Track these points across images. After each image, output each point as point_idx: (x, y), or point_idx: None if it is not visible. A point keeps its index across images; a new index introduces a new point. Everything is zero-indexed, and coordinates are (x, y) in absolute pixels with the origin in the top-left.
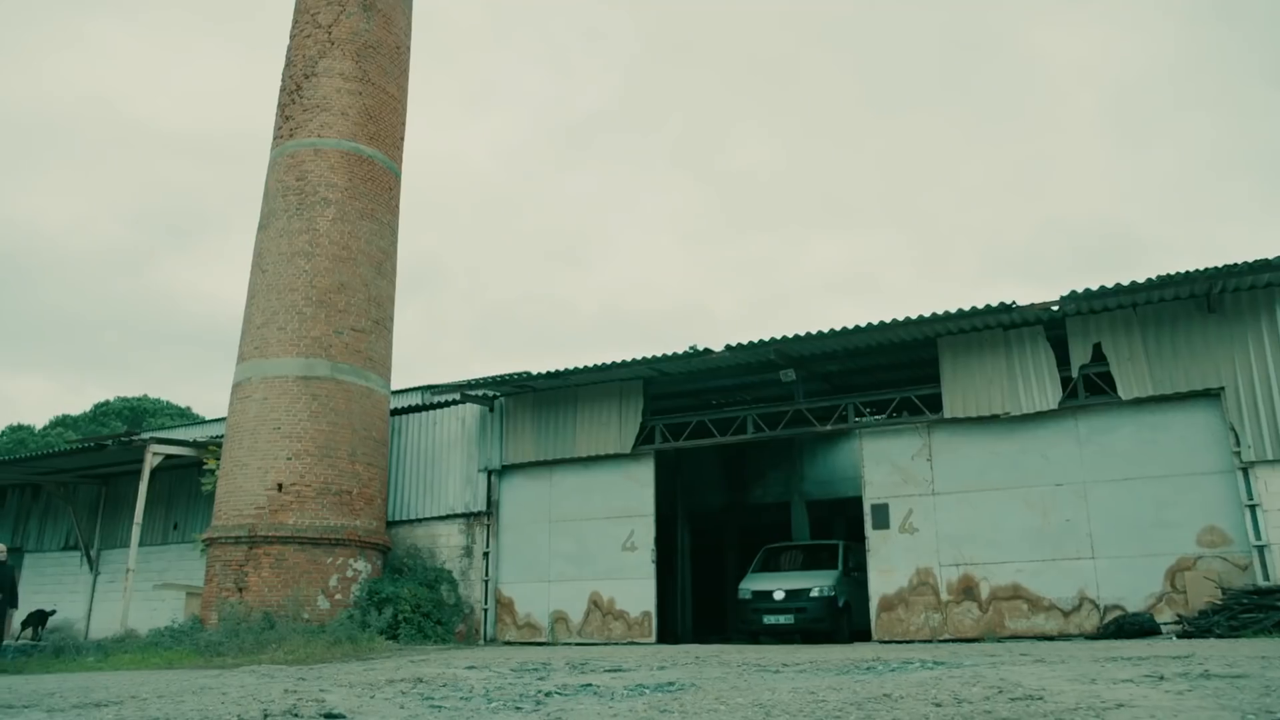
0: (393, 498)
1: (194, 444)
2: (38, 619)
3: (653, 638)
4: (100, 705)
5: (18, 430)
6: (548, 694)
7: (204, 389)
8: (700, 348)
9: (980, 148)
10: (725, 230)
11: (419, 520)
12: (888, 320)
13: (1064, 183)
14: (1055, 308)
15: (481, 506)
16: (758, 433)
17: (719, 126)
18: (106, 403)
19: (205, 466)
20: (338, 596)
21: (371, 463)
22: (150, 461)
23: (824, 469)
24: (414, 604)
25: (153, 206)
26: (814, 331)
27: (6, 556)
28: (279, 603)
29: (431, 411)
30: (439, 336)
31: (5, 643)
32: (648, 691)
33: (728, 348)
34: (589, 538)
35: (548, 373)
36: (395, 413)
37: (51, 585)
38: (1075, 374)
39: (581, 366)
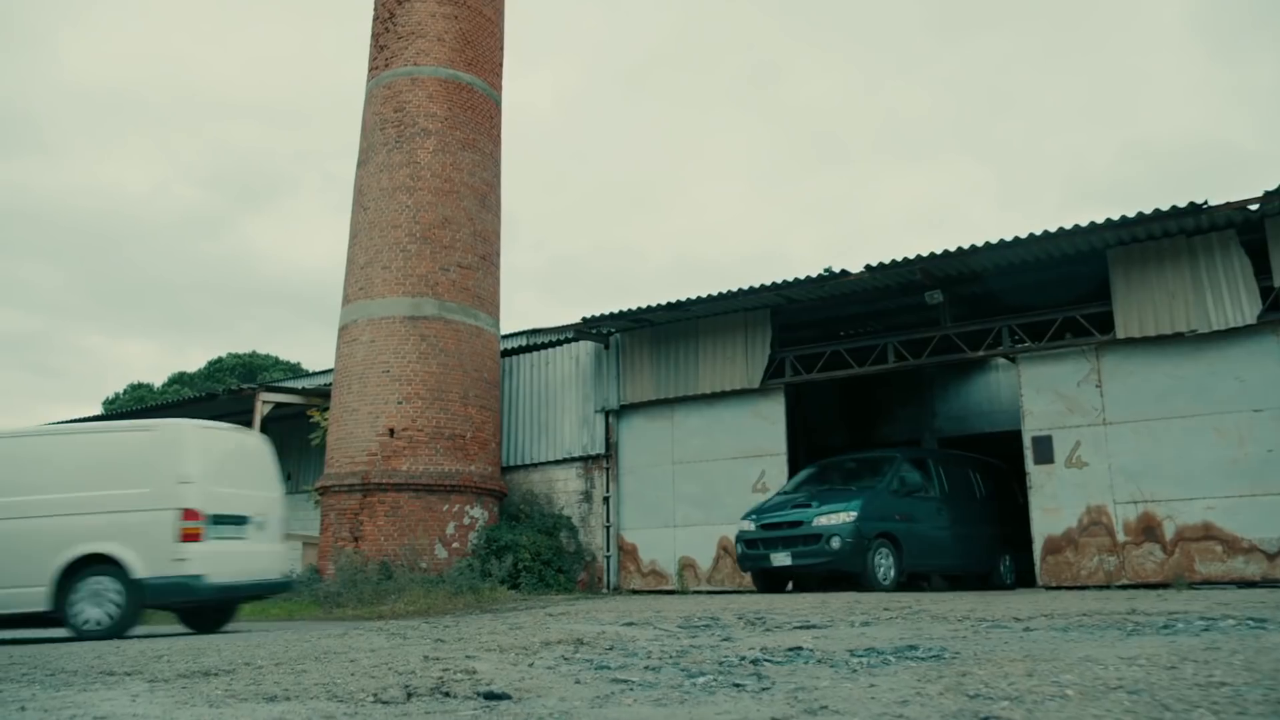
0: (506, 442)
1: (302, 391)
2: None
3: (788, 585)
4: (209, 674)
5: (138, 389)
6: (754, 661)
7: (290, 346)
8: (835, 269)
9: (1055, 69)
10: (795, 168)
11: (534, 465)
12: (1052, 230)
13: (1149, 102)
14: (1253, 208)
15: (600, 449)
16: (900, 362)
17: (778, 59)
18: (220, 359)
19: (312, 420)
20: (455, 545)
21: (484, 405)
22: (260, 410)
23: (958, 403)
24: (534, 552)
25: (226, 169)
26: (965, 246)
27: None
28: (395, 551)
29: (543, 351)
30: (510, 289)
31: None
32: (892, 660)
33: (868, 268)
34: (716, 480)
35: (667, 304)
36: (506, 354)
37: None
38: (1277, 284)
39: (703, 296)
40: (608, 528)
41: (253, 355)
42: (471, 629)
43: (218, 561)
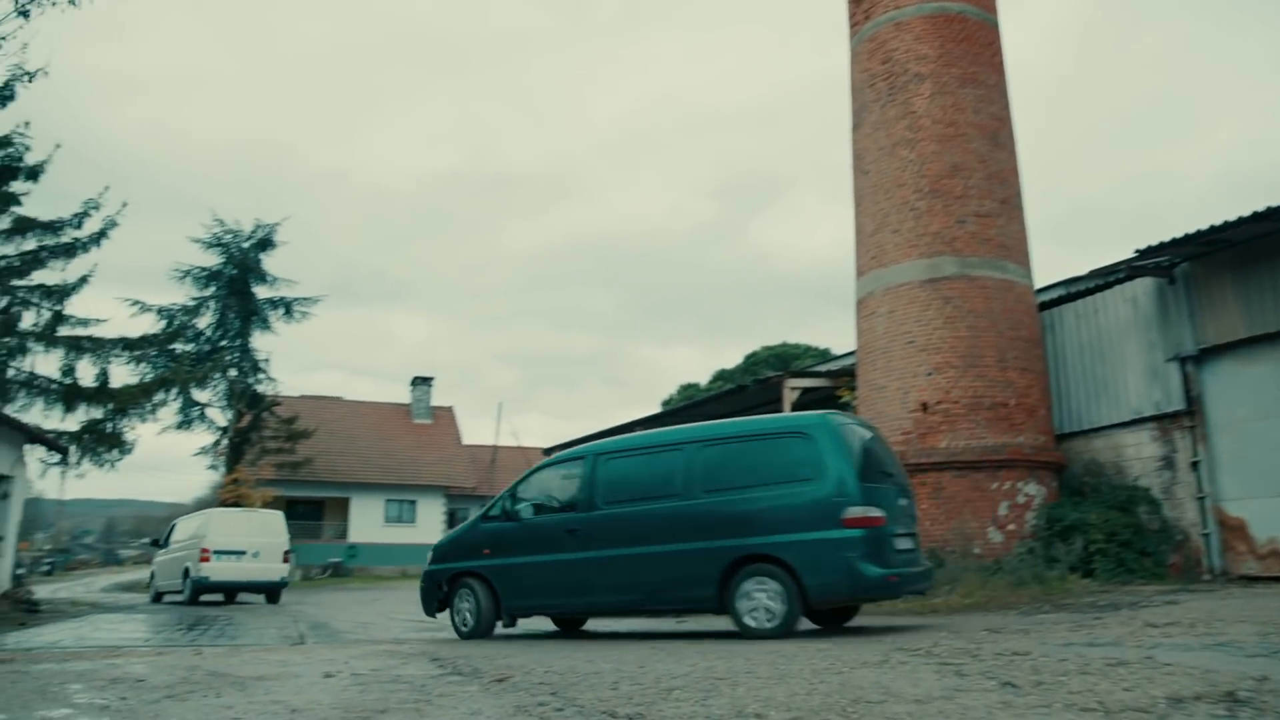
0: (1057, 406)
1: (828, 374)
2: None
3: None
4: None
5: (688, 388)
6: None
7: (816, 333)
8: None
9: None
10: None
11: (1093, 430)
12: None
13: None
14: None
15: (1178, 405)
16: None
17: None
18: (754, 353)
19: (840, 400)
20: (1010, 527)
21: (1026, 367)
22: (788, 396)
23: None
24: (1108, 532)
25: (728, 179)
26: None
27: None
28: (943, 537)
29: (1090, 297)
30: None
31: None
32: None
33: None
34: None
35: (1253, 215)
36: (1043, 306)
37: None
38: None
39: None
40: (1201, 499)
41: (784, 346)
42: (1050, 654)
43: (219, 571)
